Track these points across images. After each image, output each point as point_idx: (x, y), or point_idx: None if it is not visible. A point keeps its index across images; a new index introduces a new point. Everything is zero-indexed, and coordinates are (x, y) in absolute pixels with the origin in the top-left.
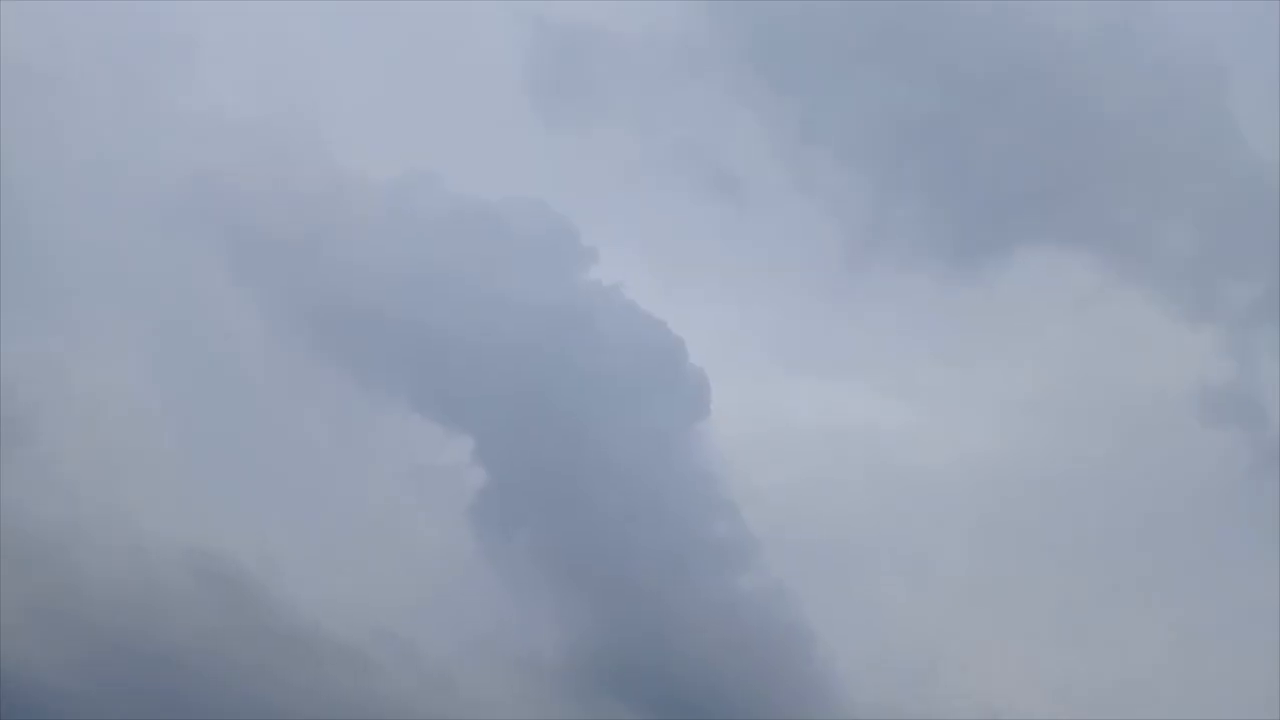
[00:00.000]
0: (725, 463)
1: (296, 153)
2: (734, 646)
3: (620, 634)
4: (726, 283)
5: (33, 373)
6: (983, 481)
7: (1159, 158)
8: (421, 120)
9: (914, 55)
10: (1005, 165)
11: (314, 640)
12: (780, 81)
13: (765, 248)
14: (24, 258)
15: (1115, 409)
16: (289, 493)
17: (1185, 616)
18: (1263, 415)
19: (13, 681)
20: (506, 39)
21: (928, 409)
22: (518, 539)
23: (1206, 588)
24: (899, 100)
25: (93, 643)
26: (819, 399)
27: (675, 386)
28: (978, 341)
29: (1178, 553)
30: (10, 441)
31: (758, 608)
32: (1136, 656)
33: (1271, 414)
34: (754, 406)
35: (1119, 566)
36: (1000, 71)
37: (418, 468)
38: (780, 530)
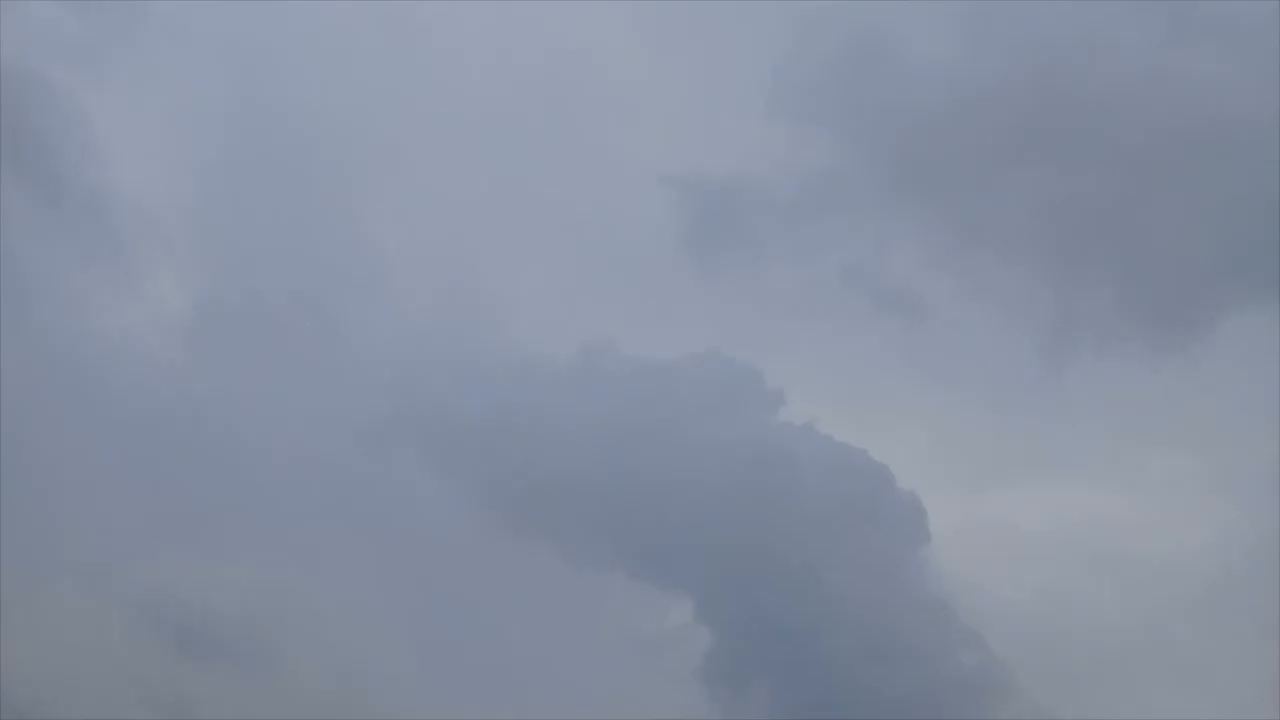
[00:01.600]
0: (958, 586)
1: (482, 344)
2: None
3: None
4: (919, 400)
5: (271, 595)
6: (1240, 566)
7: None
8: (590, 294)
9: (1064, 138)
10: (1187, 233)
11: None
12: (932, 192)
13: (951, 358)
14: (254, 493)
15: None
16: (520, 674)
17: None
18: None
19: None
20: (655, 205)
21: (1160, 497)
22: (754, 696)
23: None
24: (1058, 187)
25: None
26: (1042, 505)
27: (889, 514)
28: (1195, 419)
29: None
30: (257, 663)
31: None
32: None
33: None
34: (975, 523)
35: None
36: (1160, 137)
37: (642, 636)
38: (1032, 650)
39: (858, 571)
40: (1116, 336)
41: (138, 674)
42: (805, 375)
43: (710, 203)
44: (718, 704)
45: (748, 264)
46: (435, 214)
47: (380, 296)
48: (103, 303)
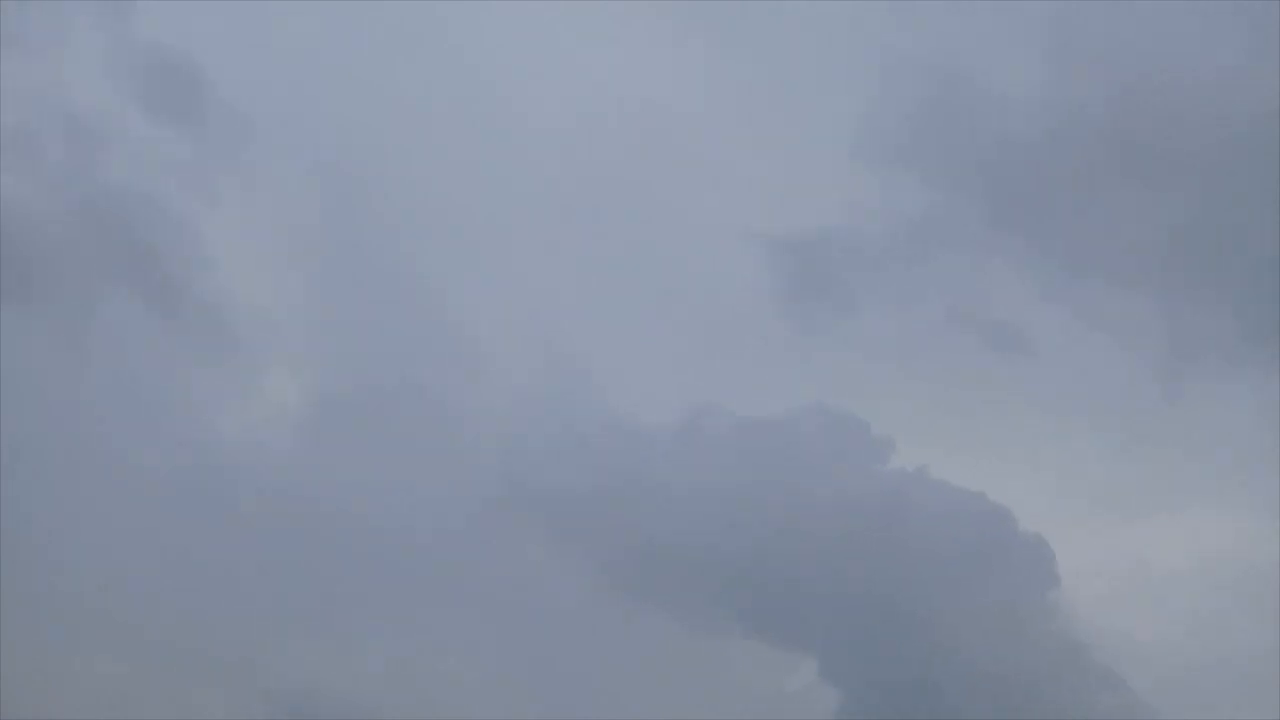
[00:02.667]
0: (1092, 628)
1: (586, 416)
2: None
3: None
4: (1035, 437)
5: (397, 679)
6: None
7: None
8: (691, 356)
9: (1163, 157)
10: None
11: None
12: (1032, 225)
13: (1066, 392)
14: (377, 579)
15: None
16: None
17: None
18: None
19: None
20: (749, 261)
21: None
22: None
23: None
24: (1162, 207)
25: None
26: (1173, 536)
27: (1014, 558)
28: None
29: None
30: None
31: None
32: None
33: None
34: (1105, 560)
35: None
36: (1260, 149)
37: (767, 697)
38: (1177, 687)
39: (986, 619)
40: (1235, 358)
41: None
42: (914, 421)
43: (805, 255)
44: None
45: (846, 313)
46: (529, 291)
47: (483, 378)
48: (222, 403)
